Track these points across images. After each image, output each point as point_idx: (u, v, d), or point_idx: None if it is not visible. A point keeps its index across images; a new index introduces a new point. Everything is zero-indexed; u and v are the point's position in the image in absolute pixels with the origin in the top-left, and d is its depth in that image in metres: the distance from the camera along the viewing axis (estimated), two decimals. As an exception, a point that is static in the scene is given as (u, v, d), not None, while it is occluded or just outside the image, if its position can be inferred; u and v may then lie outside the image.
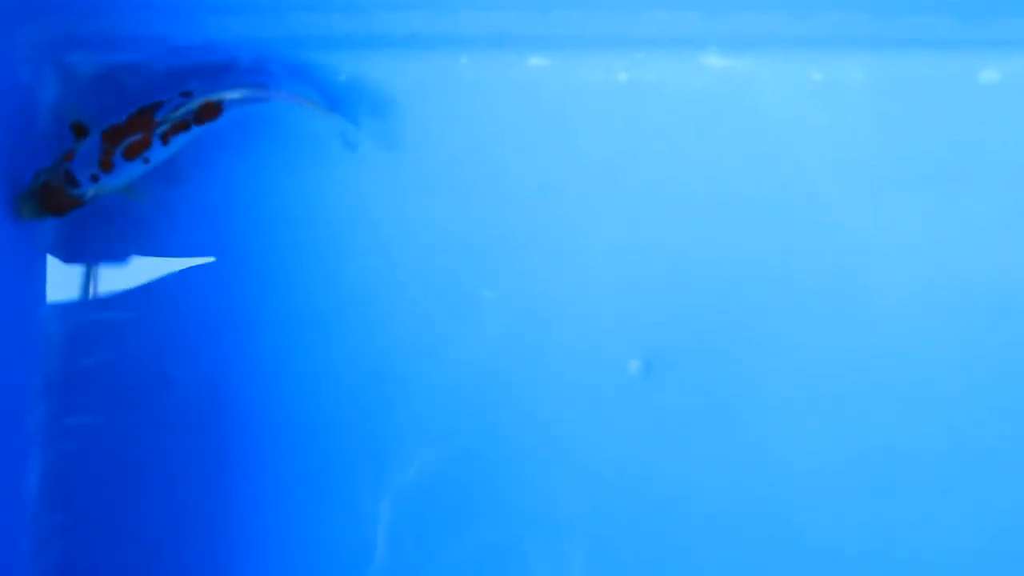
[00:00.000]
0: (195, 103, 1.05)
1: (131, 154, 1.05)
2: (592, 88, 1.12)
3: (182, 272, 1.11)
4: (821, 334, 1.11)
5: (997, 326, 1.10)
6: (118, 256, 1.11)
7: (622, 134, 1.12)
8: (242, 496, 1.09)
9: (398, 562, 1.10)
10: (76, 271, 1.10)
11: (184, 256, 1.11)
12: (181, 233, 1.11)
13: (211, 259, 1.11)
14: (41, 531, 1.08)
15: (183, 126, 1.06)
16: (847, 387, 1.10)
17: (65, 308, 1.10)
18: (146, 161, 1.06)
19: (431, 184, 1.12)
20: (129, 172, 1.06)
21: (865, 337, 1.11)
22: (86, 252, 1.10)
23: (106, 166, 1.05)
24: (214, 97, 1.06)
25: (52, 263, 1.10)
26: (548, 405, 1.11)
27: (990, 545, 1.09)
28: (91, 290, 1.10)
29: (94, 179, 1.05)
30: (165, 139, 1.06)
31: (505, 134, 1.12)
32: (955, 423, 1.10)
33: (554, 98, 1.12)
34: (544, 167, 1.12)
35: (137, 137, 1.05)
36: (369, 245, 1.11)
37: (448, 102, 1.12)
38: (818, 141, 1.12)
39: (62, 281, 1.11)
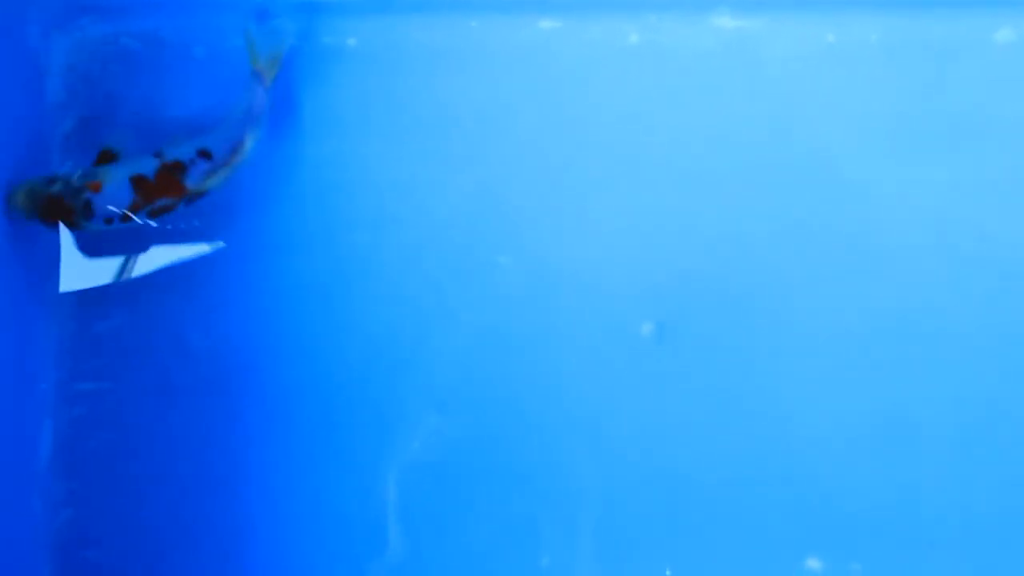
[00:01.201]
0: (223, 176, 1.05)
1: (156, 215, 1.05)
2: (603, 50, 1.12)
3: (193, 240, 1.10)
4: (836, 296, 1.10)
5: (1014, 286, 1.09)
6: (128, 226, 1.10)
7: (633, 96, 1.12)
8: (252, 462, 1.08)
9: (409, 529, 1.09)
10: (89, 236, 1.10)
11: (195, 224, 1.10)
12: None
13: (222, 227, 1.10)
14: (52, 496, 1.08)
15: (204, 193, 1.06)
16: (863, 349, 1.09)
17: (75, 276, 1.10)
18: (163, 222, 1.06)
19: (442, 149, 1.11)
20: (148, 224, 1.06)
21: (880, 298, 1.10)
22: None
23: (127, 219, 1.04)
24: (239, 161, 1.06)
25: (64, 229, 1.10)
26: (561, 370, 1.10)
27: (1010, 505, 1.08)
28: (103, 256, 1.10)
29: (108, 222, 1.04)
30: (190, 203, 1.05)
31: (516, 97, 1.12)
32: (973, 384, 1.09)
33: (565, 61, 1.12)
34: (556, 131, 1.11)
35: (167, 203, 1.05)
36: (380, 212, 1.11)
37: (458, 65, 1.12)
38: (832, 103, 1.11)
39: (73, 248, 1.10)
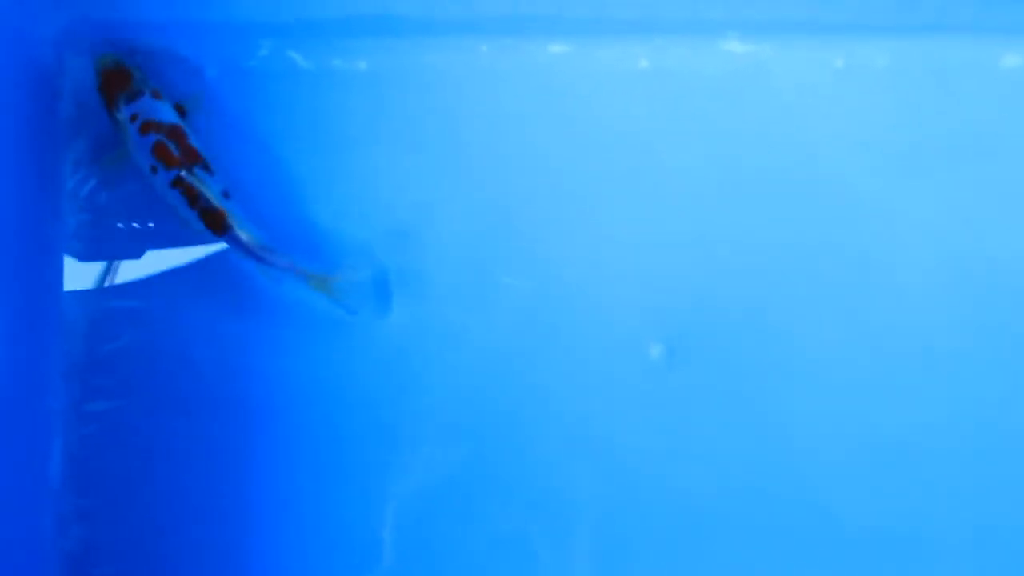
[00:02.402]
0: (216, 200, 1.06)
1: (159, 154, 1.06)
2: (613, 74, 1.13)
3: (199, 260, 1.10)
4: (843, 318, 1.10)
5: (1020, 307, 1.10)
6: (137, 245, 1.11)
7: (643, 120, 1.12)
8: (258, 480, 1.09)
9: (411, 549, 1.09)
10: (96, 260, 1.10)
11: (201, 244, 1.10)
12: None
13: (228, 247, 1.10)
14: (62, 514, 1.08)
15: (189, 194, 1.06)
16: (870, 370, 1.10)
17: (85, 295, 1.10)
18: (153, 171, 1.06)
19: (451, 172, 1.12)
20: (139, 148, 1.06)
21: (888, 321, 1.10)
22: (106, 241, 1.10)
23: (146, 130, 1.06)
24: (225, 210, 1.06)
25: (72, 252, 1.10)
26: (568, 392, 1.10)
27: (1013, 523, 1.08)
28: (111, 278, 1.10)
29: (133, 119, 1.06)
30: (177, 183, 1.06)
31: (525, 121, 1.12)
32: (979, 403, 1.09)
33: (574, 85, 1.12)
34: (565, 153, 1.12)
35: (173, 152, 1.06)
36: (389, 231, 1.11)
37: (469, 89, 1.12)
38: (840, 127, 1.12)
39: (82, 269, 1.10)
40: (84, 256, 1.11)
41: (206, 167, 1.06)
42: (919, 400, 1.09)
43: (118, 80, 1.08)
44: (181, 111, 1.09)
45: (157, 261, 1.11)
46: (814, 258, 1.11)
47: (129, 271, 1.11)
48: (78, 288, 1.10)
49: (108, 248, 1.11)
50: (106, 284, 1.11)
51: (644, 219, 1.12)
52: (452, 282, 1.11)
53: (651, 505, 1.09)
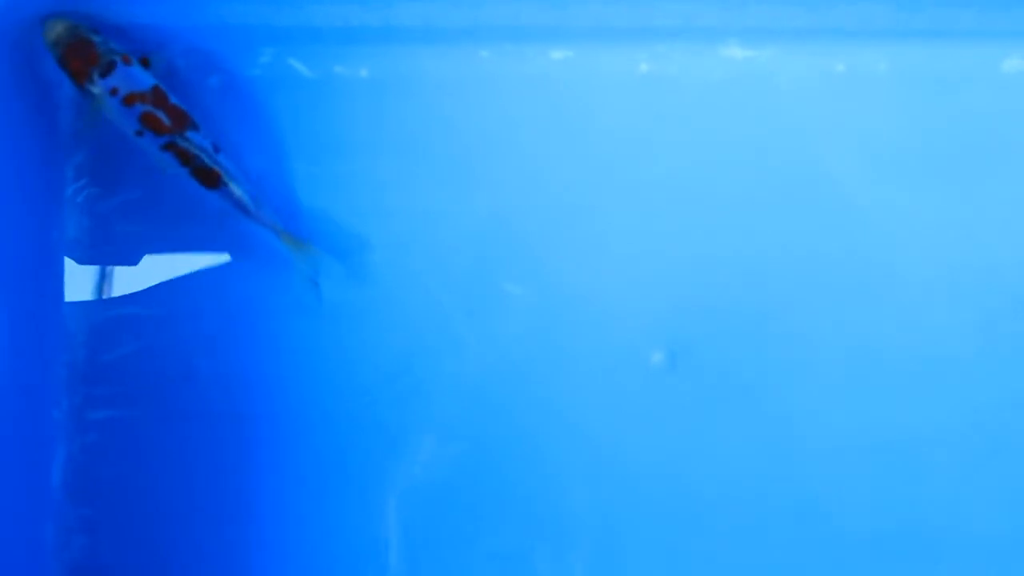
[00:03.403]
0: (209, 160, 1.06)
1: (148, 123, 1.05)
2: (613, 80, 1.12)
3: (201, 268, 1.11)
4: (845, 323, 1.10)
5: (1020, 312, 1.10)
6: (138, 252, 1.11)
7: (643, 126, 1.12)
8: (261, 489, 1.09)
9: (414, 556, 1.09)
10: (97, 267, 1.10)
11: (203, 251, 1.10)
12: (200, 228, 1.11)
13: (230, 254, 1.10)
14: (64, 524, 1.08)
15: (182, 157, 1.06)
16: (872, 374, 1.10)
17: (86, 304, 1.10)
18: (139, 134, 1.05)
19: (453, 178, 1.12)
20: (122, 117, 1.06)
21: (890, 326, 1.10)
22: (107, 248, 1.10)
23: (129, 101, 1.05)
24: (219, 170, 1.07)
25: (73, 259, 1.10)
26: (569, 398, 1.10)
27: (1016, 527, 1.08)
28: (112, 286, 1.10)
29: (113, 93, 1.05)
30: (168, 147, 1.06)
31: (527, 127, 1.12)
32: (979, 408, 1.09)
33: (575, 90, 1.12)
34: (566, 160, 1.12)
35: (163, 121, 1.05)
36: (390, 239, 1.11)
37: (470, 95, 1.12)
38: (841, 132, 1.12)
39: (83, 277, 1.10)
40: (85, 263, 1.10)
41: (194, 126, 1.06)
42: (922, 406, 1.10)
43: (82, 51, 1.05)
44: (146, 64, 1.07)
45: (159, 268, 1.11)
46: (815, 264, 1.11)
47: (130, 279, 1.11)
48: (79, 296, 1.10)
49: (109, 255, 1.11)
50: (107, 292, 1.11)
51: (645, 225, 1.11)
52: (453, 289, 1.11)
53: (653, 511, 1.10)
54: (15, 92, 1.06)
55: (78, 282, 1.11)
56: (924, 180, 1.11)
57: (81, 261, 1.11)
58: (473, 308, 1.10)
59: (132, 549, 1.08)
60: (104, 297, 1.11)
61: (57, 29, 1.05)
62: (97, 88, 1.06)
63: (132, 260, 1.11)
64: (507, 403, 1.10)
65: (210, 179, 1.06)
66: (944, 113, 1.12)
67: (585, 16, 1.11)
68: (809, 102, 1.12)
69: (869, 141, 1.12)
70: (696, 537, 1.09)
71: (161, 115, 1.05)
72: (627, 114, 1.12)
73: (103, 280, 1.11)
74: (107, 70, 1.05)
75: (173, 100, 1.06)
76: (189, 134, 1.06)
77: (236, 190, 1.07)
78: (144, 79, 1.06)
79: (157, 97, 1.06)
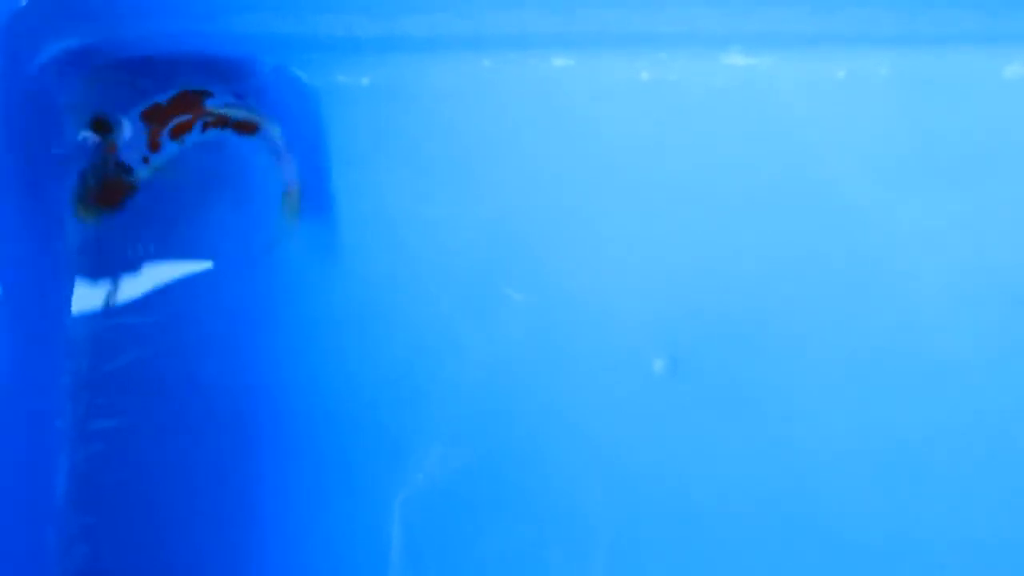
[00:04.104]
0: (244, 111, 1.06)
1: (177, 134, 1.06)
2: (615, 87, 1.13)
3: (204, 276, 1.11)
4: (846, 328, 1.10)
5: (1022, 316, 1.09)
6: (141, 261, 1.11)
7: (645, 133, 1.12)
8: (264, 497, 1.09)
9: (416, 562, 1.09)
10: (100, 277, 1.10)
11: (205, 260, 1.11)
12: (202, 237, 1.11)
13: (232, 262, 1.10)
14: (67, 532, 1.08)
15: (222, 122, 1.07)
16: (873, 380, 1.09)
17: (90, 313, 1.10)
18: (183, 143, 1.06)
19: (455, 185, 1.12)
20: (171, 152, 1.06)
21: (893, 332, 1.10)
22: (111, 258, 1.10)
23: (155, 147, 1.06)
24: (256, 118, 1.06)
25: (78, 269, 1.10)
26: (572, 405, 1.10)
27: (1019, 531, 1.08)
28: (116, 295, 1.10)
29: (145, 161, 1.06)
30: (205, 128, 1.06)
31: (529, 134, 1.12)
32: (981, 413, 1.09)
33: (577, 98, 1.13)
34: (568, 167, 1.12)
35: (186, 118, 1.06)
36: (392, 246, 1.11)
37: (471, 103, 1.12)
38: (842, 138, 1.12)
39: (87, 287, 1.10)
40: (89, 274, 1.11)
41: (205, 95, 1.07)
42: (925, 410, 1.09)
43: (110, 190, 1.07)
44: (104, 124, 1.08)
45: (161, 277, 1.11)
46: (817, 270, 1.11)
47: (134, 288, 1.11)
48: (83, 306, 1.10)
49: (112, 265, 1.11)
50: (111, 302, 1.11)
51: (647, 231, 1.11)
52: (456, 295, 1.11)
53: (655, 515, 1.09)
54: (18, 101, 1.06)
55: (82, 292, 1.11)
56: (926, 186, 1.11)
57: (84, 271, 1.11)
58: (476, 314, 1.10)
59: (134, 557, 1.08)
60: (107, 306, 1.10)
61: (87, 211, 1.08)
62: (145, 172, 1.07)
63: (134, 269, 1.11)
64: (509, 408, 1.10)
65: (248, 128, 1.06)
66: (945, 119, 1.12)
67: (587, 24, 1.11)
68: (811, 108, 1.12)
69: (871, 147, 1.12)
70: (699, 542, 1.09)
71: (181, 118, 1.05)
72: (629, 121, 1.12)
73: (106, 290, 1.11)
74: (122, 169, 1.07)
75: (162, 101, 1.06)
76: (207, 104, 1.06)
77: (273, 131, 1.07)
78: (136, 131, 1.07)
79: (158, 116, 1.06)
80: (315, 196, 1.11)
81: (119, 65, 1.11)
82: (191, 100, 1.06)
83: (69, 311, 1.10)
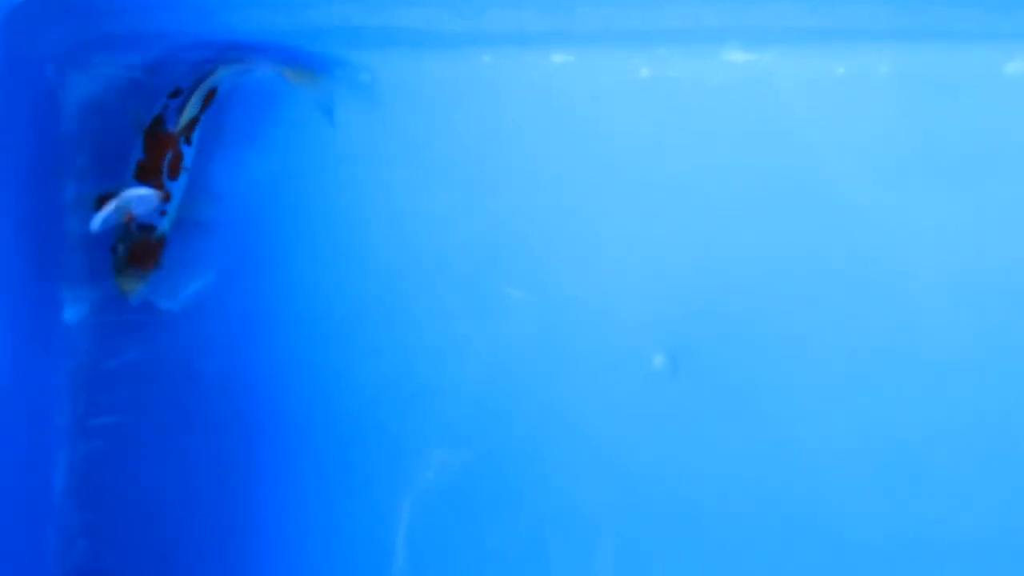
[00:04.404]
0: (196, 99, 1.07)
1: (175, 173, 1.07)
2: (614, 84, 1.12)
3: (204, 273, 1.11)
4: (846, 326, 1.10)
5: (1022, 315, 1.09)
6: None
7: (645, 130, 1.12)
8: (265, 495, 1.09)
9: (418, 561, 1.09)
10: (100, 273, 1.10)
11: (206, 257, 1.11)
12: (202, 234, 1.11)
13: (233, 259, 1.10)
14: (66, 529, 1.08)
15: (195, 121, 1.07)
16: (873, 379, 1.09)
17: (89, 310, 1.10)
18: (186, 170, 1.07)
19: (455, 182, 1.12)
20: (181, 187, 1.07)
21: (890, 329, 1.10)
22: (109, 253, 1.10)
23: (166, 197, 1.07)
24: (208, 86, 1.07)
25: (75, 265, 1.10)
26: (572, 403, 1.10)
27: (1017, 534, 1.08)
28: (115, 291, 1.10)
29: (163, 214, 1.07)
30: (189, 141, 1.07)
31: (528, 131, 1.12)
32: (981, 412, 1.09)
33: (576, 94, 1.12)
34: (567, 164, 1.12)
35: (170, 156, 1.06)
36: (392, 243, 1.11)
37: (471, 99, 1.12)
38: (842, 135, 1.12)
39: (87, 282, 1.10)
40: (88, 270, 1.10)
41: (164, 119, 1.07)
42: (924, 409, 1.09)
43: (144, 253, 1.08)
44: (105, 199, 1.08)
45: (160, 273, 1.11)
46: (817, 267, 1.11)
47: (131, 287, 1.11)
48: (82, 302, 1.10)
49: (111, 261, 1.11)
50: (110, 298, 1.11)
51: (646, 228, 1.11)
52: (455, 292, 1.11)
53: (656, 516, 1.09)
54: (16, 94, 1.06)
55: (81, 288, 1.11)
56: (926, 183, 1.11)
57: (84, 267, 1.10)
58: (476, 312, 1.10)
59: (134, 554, 1.08)
60: (106, 303, 1.10)
61: (131, 282, 1.08)
62: (166, 224, 1.08)
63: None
64: (509, 406, 1.10)
65: (210, 98, 1.08)
66: (946, 116, 1.12)
67: (586, 20, 1.11)
68: (810, 105, 1.12)
69: (871, 144, 1.11)
70: (699, 540, 1.09)
71: (167, 159, 1.07)
72: (628, 118, 1.12)
73: (106, 286, 1.10)
74: (145, 230, 1.07)
75: (143, 157, 1.07)
76: (169, 127, 1.06)
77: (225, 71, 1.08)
78: (142, 194, 1.07)
79: (150, 171, 1.07)
80: (313, 192, 1.11)
81: (118, 59, 1.11)
82: (159, 137, 1.07)
83: (68, 307, 1.10)
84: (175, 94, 1.08)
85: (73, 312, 1.10)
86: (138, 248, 1.07)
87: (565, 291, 1.11)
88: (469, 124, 1.12)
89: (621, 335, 1.10)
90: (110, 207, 1.07)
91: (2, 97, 1.05)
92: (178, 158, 1.07)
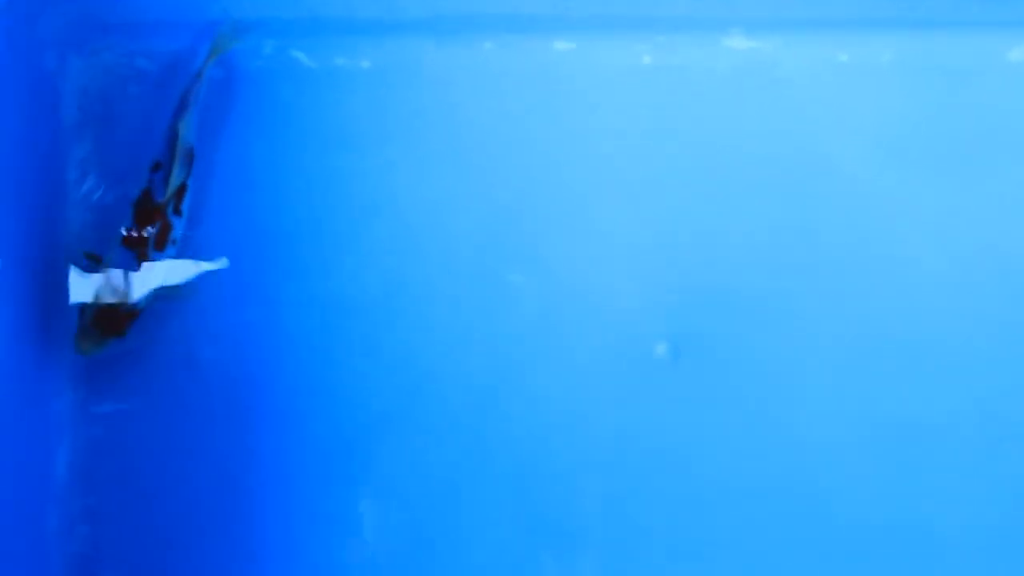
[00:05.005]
0: (177, 169, 1.06)
1: (161, 244, 1.06)
2: (616, 71, 1.12)
3: (207, 261, 1.10)
4: (849, 313, 1.10)
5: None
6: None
7: (647, 117, 1.12)
8: (265, 482, 1.09)
9: (419, 553, 1.09)
10: (101, 261, 1.10)
11: (209, 245, 1.10)
12: (205, 222, 1.11)
13: (236, 247, 1.10)
14: (67, 516, 1.08)
15: (184, 188, 1.07)
16: (877, 364, 1.09)
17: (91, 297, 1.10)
18: (174, 243, 1.07)
19: (456, 169, 1.12)
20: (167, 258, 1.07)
21: (894, 316, 1.10)
22: (110, 242, 1.10)
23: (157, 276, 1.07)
24: (184, 149, 1.07)
25: (76, 253, 1.10)
26: (573, 390, 1.10)
27: (1018, 517, 1.08)
28: (116, 279, 1.10)
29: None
30: (178, 211, 1.07)
31: (530, 118, 1.12)
32: (984, 398, 1.09)
33: (578, 82, 1.12)
34: (570, 151, 1.12)
35: (156, 228, 1.06)
36: (394, 231, 1.11)
37: (473, 87, 1.12)
38: (845, 122, 1.12)
39: (88, 269, 1.10)
40: (90, 255, 1.10)
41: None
42: (928, 395, 1.09)
43: (110, 321, 1.07)
44: (95, 257, 1.08)
45: (163, 262, 1.11)
46: (820, 254, 1.10)
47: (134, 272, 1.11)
48: (84, 290, 1.10)
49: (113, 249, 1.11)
50: (111, 285, 1.10)
51: (649, 215, 1.11)
52: (456, 279, 1.11)
53: (657, 501, 1.09)
54: (17, 81, 1.06)
55: (82, 275, 1.10)
56: (930, 170, 1.11)
57: (85, 251, 1.10)
58: (476, 298, 1.10)
59: (135, 539, 1.08)
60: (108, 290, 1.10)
61: (90, 345, 1.07)
62: (143, 301, 1.07)
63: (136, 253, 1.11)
64: (510, 393, 1.09)
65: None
66: (949, 103, 1.11)
67: (588, 7, 1.11)
68: (813, 92, 1.12)
69: (874, 131, 1.11)
70: (701, 527, 1.09)
71: (154, 230, 1.07)
72: (631, 105, 1.12)
73: (107, 274, 1.10)
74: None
75: (131, 226, 1.07)
76: (156, 199, 1.06)
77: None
78: (125, 261, 1.07)
79: (138, 242, 1.07)
80: (314, 178, 1.11)
81: (119, 45, 1.11)
82: (146, 208, 1.06)
83: (69, 295, 1.10)
84: (156, 168, 1.07)
85: (75, 299, 1.10)
86: (105, 316, 1.06)
87: (566, 278, 1.11)
88: (471, 111, 1.12)
89: (623, 322, 1.10)
90: (93, 282, 1.06)
91: (2, 83, 1.05)
92: (165, 229, 1.06)
